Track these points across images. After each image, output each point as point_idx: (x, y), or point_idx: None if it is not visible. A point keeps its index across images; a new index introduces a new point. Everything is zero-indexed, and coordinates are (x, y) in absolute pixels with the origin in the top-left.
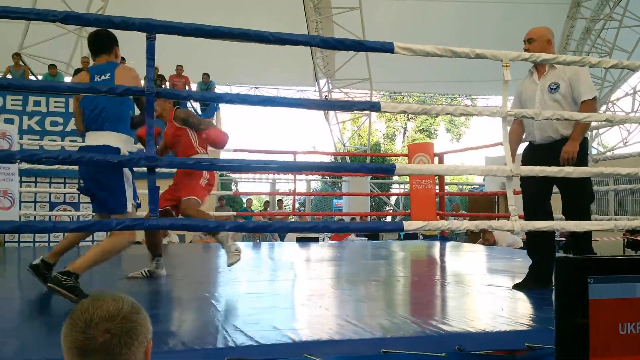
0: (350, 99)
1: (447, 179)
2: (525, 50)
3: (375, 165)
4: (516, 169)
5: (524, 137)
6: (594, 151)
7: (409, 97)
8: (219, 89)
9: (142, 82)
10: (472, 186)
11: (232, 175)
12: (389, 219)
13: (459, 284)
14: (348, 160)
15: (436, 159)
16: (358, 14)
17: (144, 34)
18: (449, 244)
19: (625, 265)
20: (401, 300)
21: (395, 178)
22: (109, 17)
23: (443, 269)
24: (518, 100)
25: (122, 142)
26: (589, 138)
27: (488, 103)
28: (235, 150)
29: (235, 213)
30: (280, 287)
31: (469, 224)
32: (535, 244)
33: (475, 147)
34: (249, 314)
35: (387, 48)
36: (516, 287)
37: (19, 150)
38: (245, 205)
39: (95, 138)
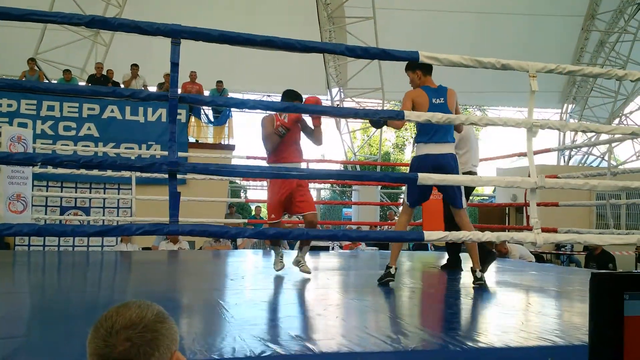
0: (363, 108)
1: None
2: None
3: (399, 175)
4: (541, 181)
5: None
6: (604, 164)
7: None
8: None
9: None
10: (482, 197)
11: (242, 183)
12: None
13: (475, 297)
14: (359, 169)
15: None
16: (371, 25)
17: (156, 39)
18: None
19: None
20: (419, 313)
21: (404, 188)
22: (135, 22)
23: (457, 280)
24: None
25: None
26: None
27: (499, 114)
28: (247, 158)
29: (246, 220)
30: (294, 296)
31: (490, 235)
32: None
33: (490, 158)
34: (265, 322)
35: (412, 57)
36: (443, 267)
37: (39, 154)
38: (253, 213)
39: (442, 148)
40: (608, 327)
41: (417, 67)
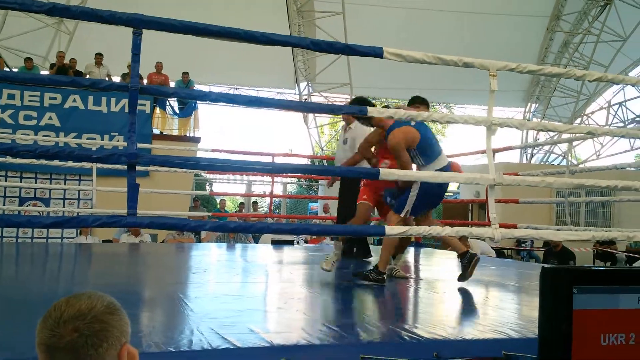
0: (330, 103)
1: None
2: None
3: (362, 170)
4: (499, 178)
5: None
6: (564, 162)
7: (387, 103)
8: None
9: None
10: (447, 193)
11: (207, 176)
12: None
13: (435, 291)
14: (326, 164)
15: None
16: (341, 19)
17: (122, 29)
18: (422, 250)
19: (609, 276)
20: (378, 306)
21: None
22: (95, 11)
23: (418, 275)
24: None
25: None
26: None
27: (465, 112)
28: (213, 151)
29: (210, 214)
30: (256, 289)
31: (450, 230)
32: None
33: (453, 155)
34: (225, 316)
35: (376, 53)
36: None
37: None
38: (218, 206)
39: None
40: (558, 320)
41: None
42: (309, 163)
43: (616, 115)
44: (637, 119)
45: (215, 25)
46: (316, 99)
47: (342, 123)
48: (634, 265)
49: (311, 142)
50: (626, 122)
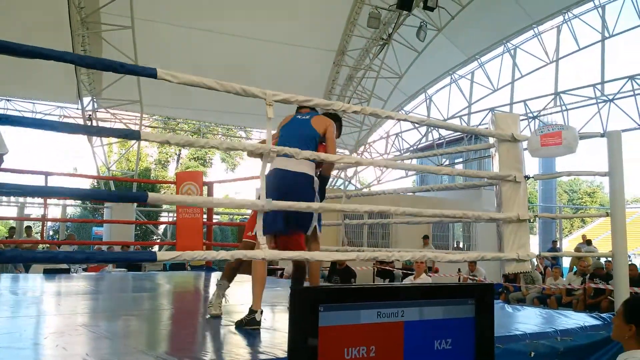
0: (118, 120)
1: (219, 208)
2: None
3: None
4: (268, 205)
5: None
6: (351, 187)
7: (184, 124)
8: None
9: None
10: (245, 217)
11: None
12: (155, 248)
13: (213, 317)
14: (112, 186)
15: (205, 188)
16: (130, 34)
17: None
18: (214, 274)
19: (352, 294)
20: (154, 336)
21: (164, 206)
22: None
23: (206, 300)
24: None
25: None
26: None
27: (260, 136)
28: None
29: None
30: (15, 324)
31: (225, 254)
32: None
33: (244, 178)
34: None
35: (149, 73)
36: None
37: None
38: None
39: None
40: (305, 337)
41: None
42: (95, 184)
43: (394, 145)
44: (411, 148)
45: None
46: (102, 115)
47: (132, 142)
48: (404, 281)
49: (96, 161)
50: (402, 151)
